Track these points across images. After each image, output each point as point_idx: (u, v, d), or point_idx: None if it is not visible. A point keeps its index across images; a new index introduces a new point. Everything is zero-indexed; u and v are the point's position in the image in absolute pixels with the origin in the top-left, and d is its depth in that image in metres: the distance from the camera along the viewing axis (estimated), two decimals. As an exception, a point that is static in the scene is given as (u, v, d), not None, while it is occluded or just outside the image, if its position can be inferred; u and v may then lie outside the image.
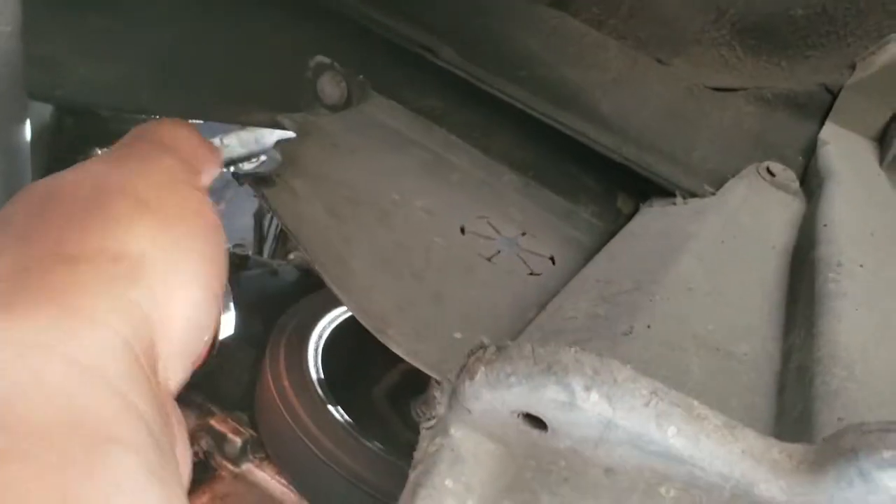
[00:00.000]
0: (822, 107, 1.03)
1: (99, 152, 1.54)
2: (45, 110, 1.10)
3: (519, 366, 0.40)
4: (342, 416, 0.82)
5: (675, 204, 0.81)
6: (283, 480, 0.82)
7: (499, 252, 0.81)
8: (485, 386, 0.41)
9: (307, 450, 0.78)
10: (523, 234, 0.86)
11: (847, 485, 0.36)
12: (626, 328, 0.52)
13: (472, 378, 0.42)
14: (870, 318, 0.52)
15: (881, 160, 0.90)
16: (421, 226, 0.80)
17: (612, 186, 0.94)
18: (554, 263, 0.83)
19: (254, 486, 0.82)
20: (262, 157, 1.86)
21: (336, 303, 0.98)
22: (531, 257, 0.82)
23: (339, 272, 0.69)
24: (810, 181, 0.88)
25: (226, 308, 0.87)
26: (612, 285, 0.60)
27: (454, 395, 0.43)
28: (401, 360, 0.99)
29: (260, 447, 0.84)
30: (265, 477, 0.83)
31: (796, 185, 0.86)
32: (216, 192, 1.98)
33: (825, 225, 0.69)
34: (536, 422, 0.41)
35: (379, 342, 1.00)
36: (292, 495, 0.81)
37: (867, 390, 0.44)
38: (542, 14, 1.06)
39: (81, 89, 1.15)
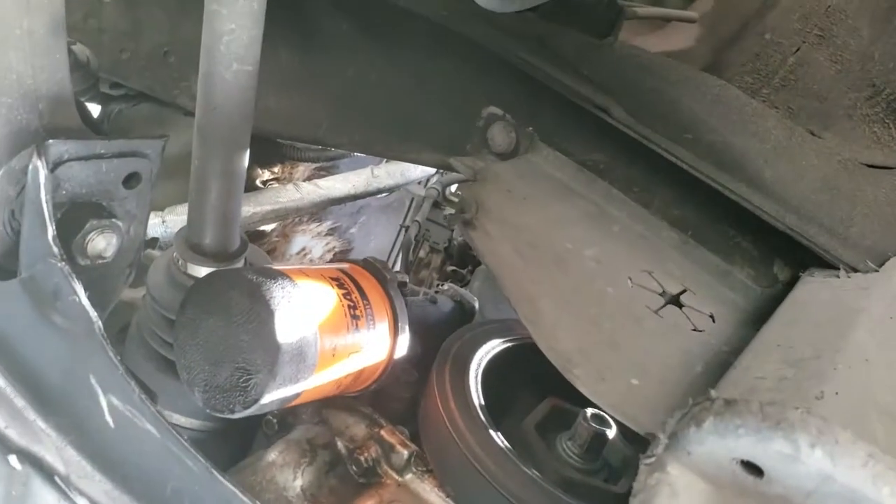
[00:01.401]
0: (974, 189, 1.05)
1: (260, 171, 1.67)
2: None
3: (748, 420, 0.46)
4: (503, 441, 0.89)
5: (837, 276, 0.85)
6: (442, 493, 0.89)
7: (665, 306, 0.88)
8: (712, 433, 0.47)
9: (471, 468, 0.85)
10: (684, 291, 0.92)
11: None
12: (817, 393, 0.57)
13: (698, 425, 0.48)
14: None
15: None
16: (593, 274, 0.87)
17: (769, 251, 0.99)
18: (714, 321, 0.88)
19: (416, 496, 0.90)
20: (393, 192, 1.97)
21: (490, 335, 1.05)
22: (693, 313, 0.88)
23: (529, 311, 0.76)
24: (970, 262, 0.90)
25: (402, 331, 0.96)
26: (794, 351, 0.66)
27: (675, 437, 0.50)
28: (549, 394, 1.06)
29: (423, 462, 0.92)
30: (426, 488, 0.90)
31: (956, 266, 0.89)
32: (351, 216, 2.10)
33: None
34: (753, 469, 0.47)
35: (528, 375, 1.07)
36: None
37: None
38: (707, 81, 1.12)
39: (268, 118, 1.28)
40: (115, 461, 0.64)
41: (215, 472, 0.61)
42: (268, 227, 1.76)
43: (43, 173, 0.66)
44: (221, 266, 0.93)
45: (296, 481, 0.90)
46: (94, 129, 0.81)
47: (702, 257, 0.99)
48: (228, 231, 0.94)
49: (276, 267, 0.88)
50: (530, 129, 1.11)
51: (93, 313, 0.65)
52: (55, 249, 0.66)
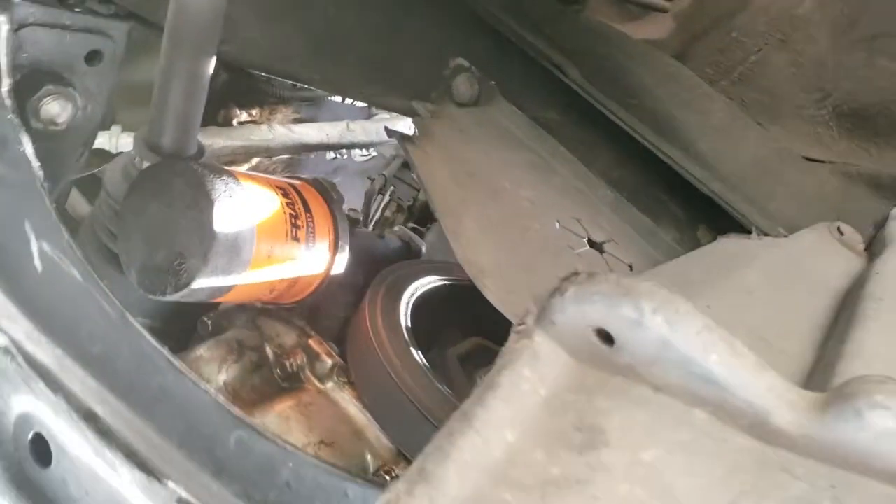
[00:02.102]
0: (899, 191, 1.11)
1: (238, 111, 1.71)
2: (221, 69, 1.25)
3: (603, 287, 0.51)
4: (422, 360, 0.93)
5: (749, 238, 0.91)
6: (359, 404, 0.94)
7: (585, 249, 0.93)
8: (572, 301, 0.52)
9: (389, 379, 0.89)
10: (609, 241, 0.97)
11: (844, 421, 0.46)
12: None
13: (562, 294, 0.53)
14: (893, 338, 0.62)
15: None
16: (523, 210, 0.92)
17: (694, 218, 1.04)
18: (631, 271, 0.94)
19: (333, 403, 0.94)
20: (374, 153, 2.02)
21: (429, 271, 1.09)
22: (612, 261, 0.93)
23: (453, 225, 0.81)
24: (875, 247, 0.96)
25: (341, 249, 1.00)
26: (685, 277, 0.71)
27: (543, 309, 0.54)
28: (475, 333, 1.10)
29: (345, 373, 0.96)
30: (345, 398, 0.94)
31: (861, 247, 0.95)
32: (327, 174, 2.14)
33: (877, 273, 0.78)
34: (606, 338, 0.52)
35: (456, 313, 1.12)
36: (364, 418, 0.93)
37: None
38: (663, 59, 1.18)
39: (246, 48, 1.32)
40: (37, 303, 0.69)
41: (128, 317, 0.65)
42: (241, 169, 1.80)
43: (6, 28, 0.70)
44: (174, 161, 0.97)
45: (220, 375, 0.94)
46: (64, 4, 0.85)
47: (632, 216, 1.04)
48: (186, 133, 0.98)
49: (226, 167, 0.92)
50: (493, 82, 1.16)
51: (35, 164, 0.69)
52: (7, 102, 0.70)
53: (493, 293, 0.76)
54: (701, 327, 0.49)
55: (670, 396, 0.51)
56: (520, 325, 0.57)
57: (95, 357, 0.66)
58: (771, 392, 0.49)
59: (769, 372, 0.49)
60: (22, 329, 0.68)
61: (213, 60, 0.98)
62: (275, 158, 1.77)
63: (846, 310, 0.72)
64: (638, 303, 0.50)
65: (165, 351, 0.64)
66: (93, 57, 0.81)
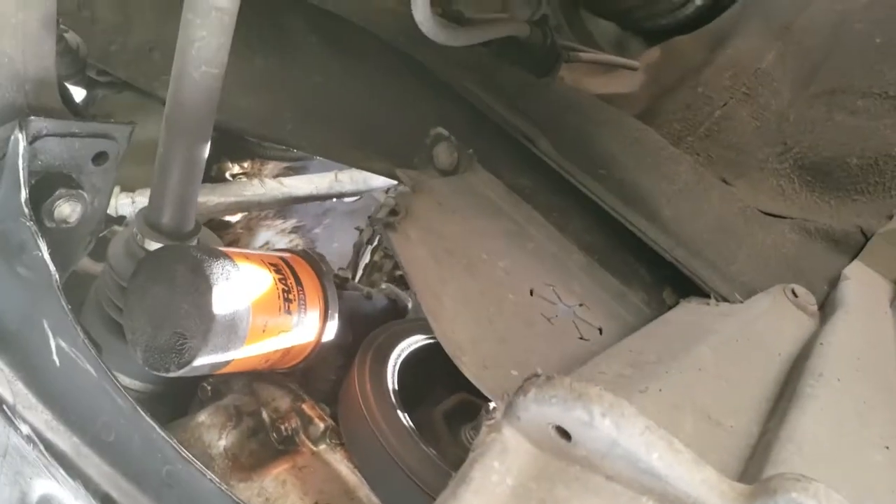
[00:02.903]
0: (855, 246, 1.18)
1: (230, 165, 1.79)
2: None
3: (559, 391, 0.58)
4: (408, 423, 1.00)
5: (708, 304, 0.98)
6: (350, 465, 1.00)
7: (557, 316, 1.00)
8: (534, 401, 0.59)
9: (377, 443, 0.96)
10: (581, 304, 1.04)
11: (767, 513, 0.53)
12: (642, 388, 0.69)
13: (525, 394, 0.60)
14: (828, 417, 0.69)
15: (892, 300, 1.06)
16: (499, 281, 1.00)
17: (661, 280, 1.12)
18: (601, 334, 1.01)
19: (327, 464, 1.01)
20: (358, 197, 2.09)
21: (414, 331, 1.16)
22: (583, 325, 1.00)
23: (432, 304, 0.88)
24: (827, 308, 1.04)
25: (331, 318, 1.07)
26: (641, 356, 0.78)
27: (510, 405, 0.62)
28: (459, 389, 1.17)
29: (337, 435, 1.03)
30: (337, 459, 1.01)
31: (814, 308, 1.02)
32: (316, 216, 2.21)
33: (821, 343, 0.86)
34: (564, 434, 0.59)
35: (442, 371, 1.19)
36: (355, 478, 0.99)
37: (807, 462, 0.61)
38: (630, 124, 1.25)
39: (237, 116, 1.39)
40: (56, 395, 0.75)
41: (139, 410, 0.72)
42: (234, 219, 1.88)
43: (22, 144, 0.77)
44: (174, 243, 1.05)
45: (220, 441, 1.01)
46: (72, 110, 0.93)
47: (603, 279, 1.12)
48: (184, 213, 1.06)
49: (223, 249, 0.99)
50: (471, 150, 1.24)
51: (52, 267, 0.76)
52: (26, 210, 0.77)
53: (470, 369, 0.83)
54: (643, 428, 0.57)
55: (621, 485, 0.59)
56: (489, 419, 0.64)
57: (109, 445, 0.73)
58: (705, 484, 0.56)
59: (704, 467, 0.56)
60: (42, 419, 0.75)
61: (209, 142, 1.05)
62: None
63: (790, 383, 0.80)
64: (589, 406, 0.57)
65: (174, 442, 0.71)
66: (99, 157, 0.88)
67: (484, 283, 0.97)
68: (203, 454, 1.00)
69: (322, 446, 1.03)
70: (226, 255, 0.96)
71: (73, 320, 0.74)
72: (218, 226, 1.79)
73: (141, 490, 0.70)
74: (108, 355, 1.05)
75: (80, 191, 0.85)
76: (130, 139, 0.94)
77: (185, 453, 0.69)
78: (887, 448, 0.71)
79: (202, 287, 0.90)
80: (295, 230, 2.07)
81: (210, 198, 1.55)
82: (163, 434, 0.70)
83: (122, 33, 1.41)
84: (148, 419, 0.72)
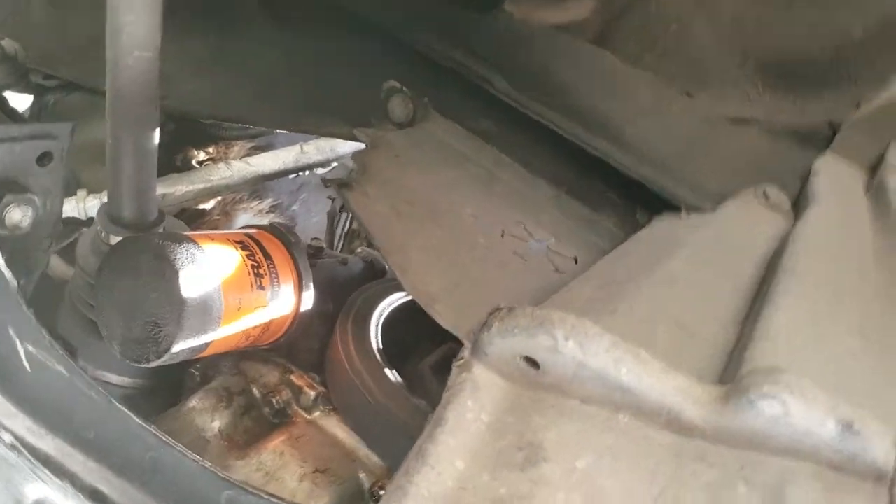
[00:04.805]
0: (825, 140, 1.17)
1: (195, 152, 1.77)
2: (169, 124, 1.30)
3: (522, 321, 0.57)
4: (397, 379, 1.00)
5: (680, 217, 0.97)
6: (345, 427, 1.01)
7: (530, 252, 0.99)
8: (498, 334, 0.58)
9: (367, 402, 0.96)
10: (553, 238, 1.03)
11: (742, 412, 0.53)
12: (612, 308, 0.69)
13: (489, 329, 0.59)
14: (803, 311, 0.68)
15: (867, 188, 1.05)
16: (467, 227, 0.98)
17: (633, 202, 1.10)
18: (576, 263, 1.00)
19: (322, 430, 1.01)
20: (335, 164, 2.07)
21: (393, 290, 1.16)
22: (558, 258, 0.99)
23: (399, 260, 0.87)
24: (801, 204, 1.02)
25: (306, 287, 1.06)
26: (612, 277, 0.77)
27: (476, 342, 0.61)
28: (445, 341, 1.17)
29: (328, 401, 1.03)
30: (332, 424, 1.01)
31: (788, 206, 1.01)
32: (292, 193, 2.19)
33: (794, 240, 0.85)
34: (533, 363, 0.58)
35: (426, 325, 1.18)
36: (352, 440, 0.99)
37: (782, 357, 0.60)
38: (585, 50, 1.23)
39: (187, 100, 1.37)
40: (32, 400, 0.75)
41: (114, 402, 0.72)
42: (208, 206, 1.86)
43: (-43, 154, 0.75)
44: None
45: (213, 423, 1.01)
46: (10, 116, 0.91)
47: (573, 209, 1.10)
48: (143, 203, 1.04)
49: (185, 233, 0.98)
50: (425, 99, 1.22)
51: (8, 274, 0.75)
52: (-28, 221, 0.75)
53: (446, 318, 0.83)
54: (609, 345, 0.56)
55: (595, 406, 0.58)
56: (459, 359, 0.64)
57: (91, 441, 0.73)
58: (678, 392, 0.55)
59: (675, 374, 0.56)
60: (22, 425, 0.74)
61: (158, 128, 1.03)
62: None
63: (766, 282, 0.79)
64: (552, 331, 0.56)
65: (152, 428, 0.71)
66: (43, 158, 0.86)
67: (451, 230, 0.96)
68: (198, 439, 1.00)
69: (316, 414, 1.03)
70: (189, 239, 0.95)
71: (36, 324, 0.73)
72: (193, 214, 1.78)
73: (128, 480, 0.70)
74: (91, 354, 1.05)
75: (29, 194, 0.84)
76: (73, 137, 0.92)
77: (167, 438, 0.69)
78: (863, 336, 0.70)
79: (168, 273, 0.89)
80: (273, 209, 2.05)
81: (178, 187, 1.53)
82: (140, 423, 0.70)
83: (59, 33, 1.38)
84: (124, 410, 0.71)
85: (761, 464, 0.53)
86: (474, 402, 0.60)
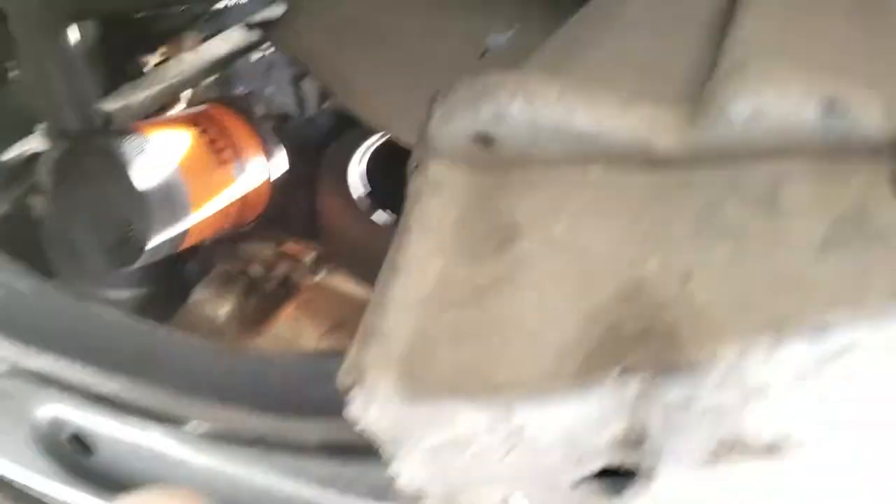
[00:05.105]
0: None
1: (147, 58, 1.68)
2: (90, 28, 1.21)
3: (461, 96, 0.51)
4: (392, 217, 0.96)
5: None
6: (351, 280, 0.98)
7: (489, 50, 0.91)
8: (442, 122, 0.53)
9: (364, 247, 0.93)
10: (511, 30, 0.95)
11: (715, 122, 0.47)
12: (567, 67, 0.62)
13: (432, 118, 0.54)
14: (775, 14, 0.61)
15: None
16: (417, 41, 0.91)
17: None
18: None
19: (331, 289, 0.98)
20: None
21: (367, 134, 1.10)
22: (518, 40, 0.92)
23: (344, 89, 0.80)
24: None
25: (272, 154, 1.01)
26: (569, 42, 0.70)
27: (423, 139, 0.56)
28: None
29: (327, 260, 1.00)
30: (339, 280, 0.98)
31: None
32: (263, 75, 2.10)
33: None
34: (486, 140, 0.53)
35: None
36: (362, 290, 0.97)
37: (752, 54, 0.53)
38: None
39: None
40: (12, 324, 0.72)
41: (87, 303, 0.69)
42: (177, 109, 1.78)
43: None
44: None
45: (221, 310, 0.98)
46: None
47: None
48: (83, 108, 0.98)
49: (127, 126, 0.93)
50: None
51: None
52: None
53: (407, 135, 0.77)
54: (558, 94, 0.50)
55: (562, 168, 0.53)
56: (412, 164, 0.59)
57: (85, 348, 0.70)
58: (644, 122, 0.50)
59: (636, 105, 0.50)
60: (11, 351, 0.72)
61: (70, 29, 0.97)
62: (204, 84, 1.74)
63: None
64: (495, 96, 0.51)
65: (134, 317, 0.68)
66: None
67: (398, 49, 0.88)
68: (211, 328, 0.98)
69: (320, 276, 1.00)
70: (132, 130, 0.90)
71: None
72: (165, 123, 1.71)
73: (130, 375, 0.68)
74: (86, 276, 1.03)
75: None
76: None
77: (151, 323, 0.66)
78: (850, 21, 0.62)
79: (118, 170, 0.84)
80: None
81: (135, 95, 1.46)
82: (120, 314, 0.67)
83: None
84: (99, 306, 0.69)
85: (749, 174, 0.48)
86: (437, 201, 0.55)
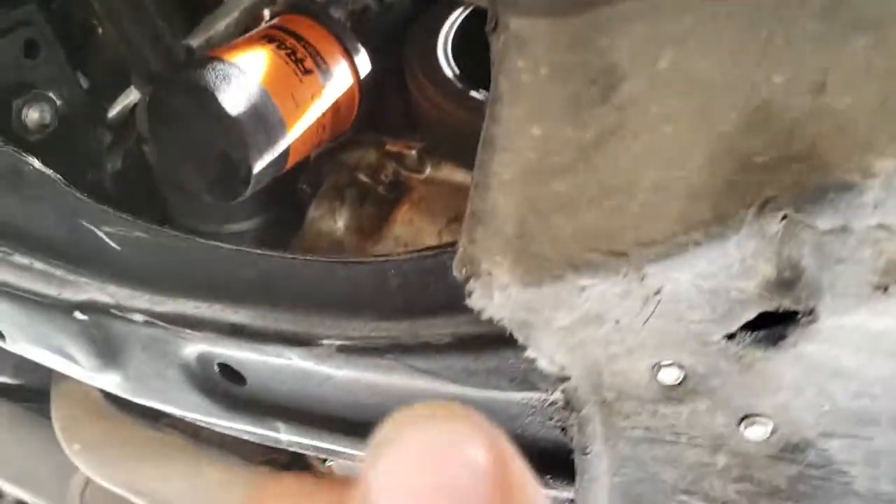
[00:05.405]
0: None
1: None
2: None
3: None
4: (484, 96, 0.91)
5: None
6: (460, 169, 0.94)
7: None
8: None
9: (464, 132, 0.88)
10: None
11: None
12: None
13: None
14: None
15: None
16: None
17: None
18: None
19: (439, 183, 0.95)
20: None
21: (450, 7, 1.03)
22: None
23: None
24: None
25: (354, 51, 0.97)
26: None
27: (499, -7, 0.50)
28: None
29: (430, 154, 0.96)
30: (447, 173, 0.95)
31: None
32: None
33: None
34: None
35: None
36: (471, 176, 0.93)
37: None
38: None
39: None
40: (134, 272, 0.73)
41: (202, 241, 0.69)
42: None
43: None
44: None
45: (337, 224, 0.97)
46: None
47: None
48: (165, 49, 0.97)
49: (207, 54, 0.91)
50: None
51: (48, 171, 0.72)
52: (-6, 135, 0.72)
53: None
54: None
55: (660, -9, 0.46)
56: (490, 24, 0.53)
57: (205, 284, 0.71)
58: None
59: None
60: (144, 299, 0.73)
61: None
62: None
63: None
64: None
65: (244, 247, 0.68)
66: (30, 50, 0.80)
67: None
68: (331, 243, 0.97)
69: (427, 171, 0.97)
70: (212, 58, 0.87)
71: (96, 204, 0.71)
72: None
73: (253, 304, 0.68)
74: (204, 216, 1.04)
75: (35, 90, 0.79)
76: (51, 13, 0.85)
77: (270, 252, 0.66)
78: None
79: (205, 103, 0.83)
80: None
81: (216, 25, 1.44)
82: (229, 247, 0.66)
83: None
84: (217, 244, 0.68)
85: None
86: (524, 59, 0.49)
